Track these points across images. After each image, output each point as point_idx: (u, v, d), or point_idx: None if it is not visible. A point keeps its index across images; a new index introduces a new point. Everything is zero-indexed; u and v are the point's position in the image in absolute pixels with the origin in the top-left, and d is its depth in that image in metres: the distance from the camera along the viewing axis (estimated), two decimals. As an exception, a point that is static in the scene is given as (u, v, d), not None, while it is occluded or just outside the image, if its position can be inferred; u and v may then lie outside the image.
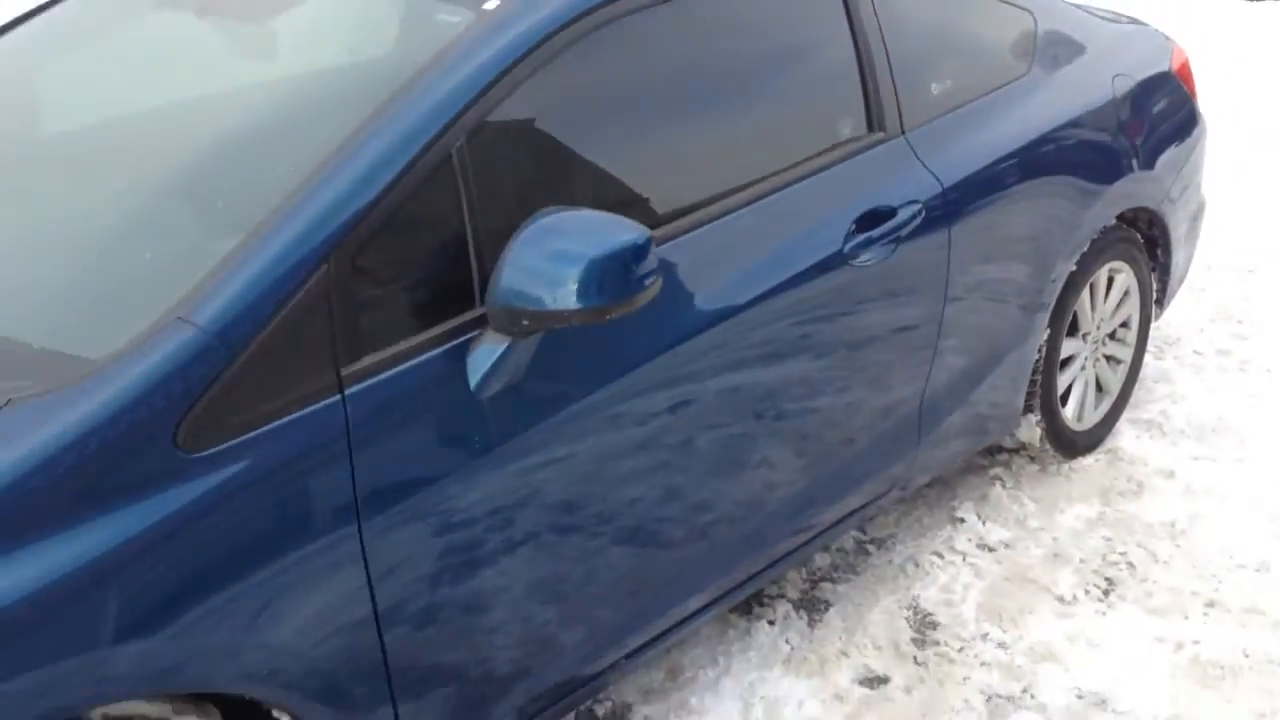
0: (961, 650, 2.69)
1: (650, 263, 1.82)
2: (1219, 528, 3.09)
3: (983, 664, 2.65)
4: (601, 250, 1.78)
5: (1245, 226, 4.94)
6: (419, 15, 2.10)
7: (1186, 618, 2.78)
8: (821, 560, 2.99)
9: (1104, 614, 2.80)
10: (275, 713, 1.73)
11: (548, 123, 2.03)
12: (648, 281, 1.83)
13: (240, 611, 1.62)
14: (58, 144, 2.22)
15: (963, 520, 3.14)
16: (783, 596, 2.86)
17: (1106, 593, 2.87)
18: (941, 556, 3.01)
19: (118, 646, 1.52)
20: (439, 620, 1.86)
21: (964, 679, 2.61)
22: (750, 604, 2.80)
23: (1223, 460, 3.40)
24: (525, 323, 1.80)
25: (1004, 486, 3.27)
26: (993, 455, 3.38)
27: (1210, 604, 2.82)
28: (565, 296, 1.77)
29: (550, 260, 1.78)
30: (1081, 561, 2.98)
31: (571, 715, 2.45)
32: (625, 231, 1.81)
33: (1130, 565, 2.96)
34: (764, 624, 2.75)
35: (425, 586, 1.82)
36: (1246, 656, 2.65)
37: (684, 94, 2.25)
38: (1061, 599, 2.85)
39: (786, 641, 2.72)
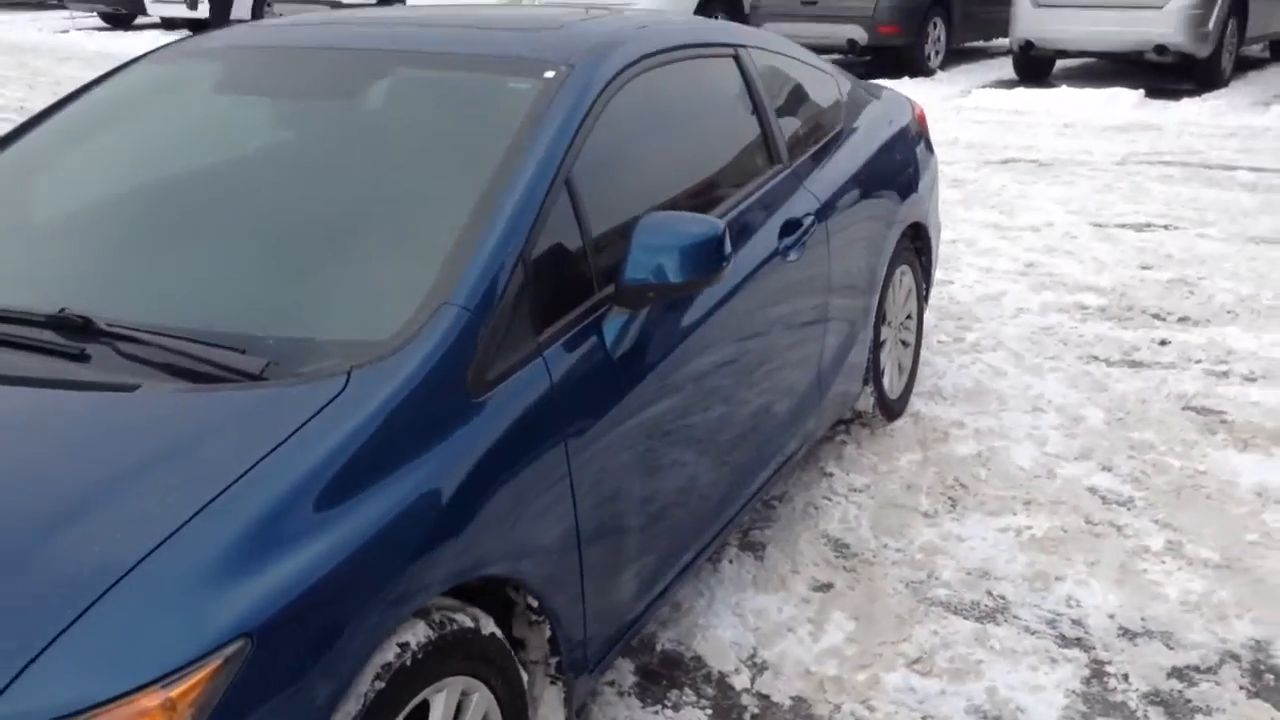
0: (874, 557, 3.49)
1: (726, 246, 2.51)
2: (1011, 455, 4.08)
3: (893, 563, 3.46)
4: (691, 240, 2.46)
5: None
6: (500, 85, 2.70)
7: (1015, 514, 3.72)
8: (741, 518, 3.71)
9: (959, 519, 3.69)
10: (511, 594, 2.25)
11: (604, 153, 2.67)
12: (725, 263, 2.52)
13: (507, 512, 2.14)
14: (251, 186, 2.63)
15: (831, 474, 3.96)
16: (728, 545, 3.55)
17: (954, 505, 3.77)
18: (829, 499, 3.81)
19: (443, 546, 2.01)
20: (602, 520, 2.42)
21: (885, 575, 3.40)
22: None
23: (990, 412, 4.43)
24: (650, 295, 2.45)
25: (851, 447, 4.14)
26: (833, 429, 4.24)
27: (1027, 502, 3.78)
28: (672, 275, 2.43)
29: (657, 252, 2.44)
30: (928, 489, 3.87)
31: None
32: (706, 225, 2.49)
33: (962, 486, 3.88)
34: (725, 564, 3.44)
35: (596, 494, 2.39)
36: (1065, 531, 3.61)
37: (675, 130, 2.99)
38: (926, 514, 3.72)
39: (747, 572, 3.41)
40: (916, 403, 4.49)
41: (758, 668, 3.00)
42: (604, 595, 2.49)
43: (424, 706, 2.02)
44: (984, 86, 12.51)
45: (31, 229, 2.67)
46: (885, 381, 4.21)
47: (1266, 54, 14.60)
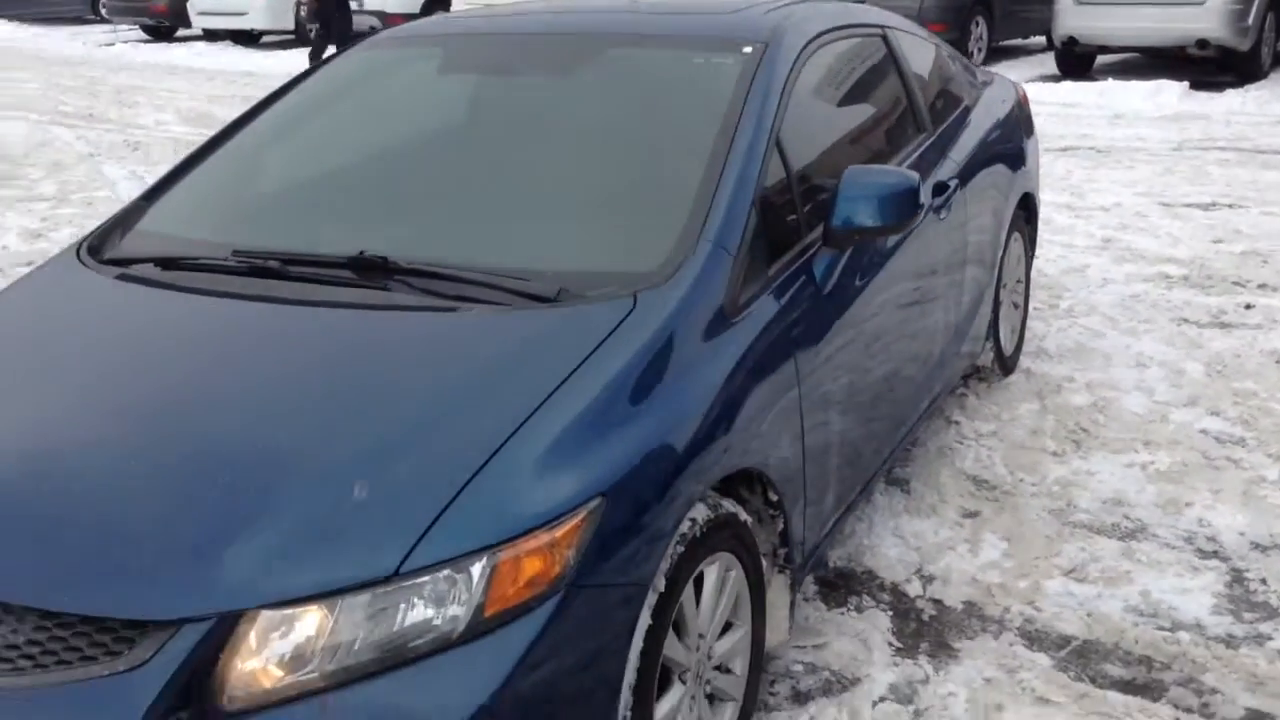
0: (1012, 490, 3.82)
1: (921, 195, 2.85)
2: (1123, 404, 4.41)
3: (1032, 494, 3.79)
4: (891, 190, 2.80)
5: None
6: (705, 59, 3.06)
7: (1136, 452, 4.04)
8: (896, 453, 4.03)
9: (1085, 458, 4.02)
10: (744, 493, 2.58)
11: (798, 115, 3.01)
12: (919, 210, 2.86)
13: (757, 414, 2.47)
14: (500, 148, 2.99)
15: (958, 422, 4.30)
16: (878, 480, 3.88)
17: (1078, 446, 4.10)
18: (960, 443, 4.14)
19: (719, 438, 2.34)
20: (817, 429, 2.75)
21: (1026, 504, 3.73)
22: (855, 488, 3.80)
23: (1096, 367, 4.76)
24: (855, 237, 2.79)
25: (972, 398, 4.47)
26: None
27: (1146, 442, 4.11)
28: (875, 219, 2.77)
29: (860, 200, 2.77)
30: (1051, 433, 4.20)
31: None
32: (904, 176, 2.83)
33: (1084, 430, 4.21)
34: (877, 496, 3.77)
35: (814, 406, 2.72)
36: (1186, 466, 3.93)
37: (845, 98, 3.34)
38: (1054, 454, 4.05)
39: (898, 503, 3.74)
40: (1025, 361, 4.82)
41: (926, 579, 3.33)
42: (815, 499, 2.82)
43: (699, 581, 2.36)
44: (1030, 81, 12.78)
45: (314, 188, 3.03)
46: (1002, 338, 4.54)
47: (1300, 48, 14.85)
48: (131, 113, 12.94)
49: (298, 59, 17.91)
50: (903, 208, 2.80)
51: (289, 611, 1.84)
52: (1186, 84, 11.42)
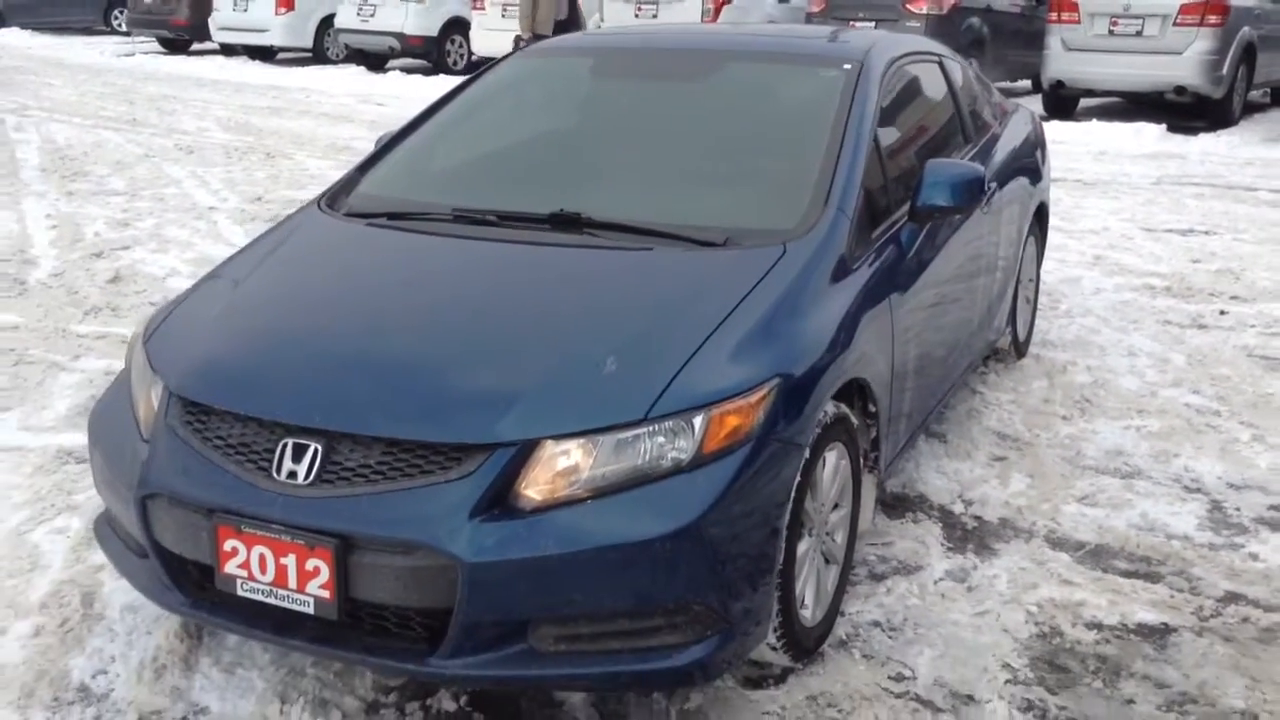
0: (1031, 442, 4.61)
1: (988, 184, 3.66)
2: (1119, 384, 5.23)
3: (1047, 446, 4.59)
4: (964, 179, 3.60)
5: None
6: (813, 72, 3.87)
7: (1132, 418, 4.86)
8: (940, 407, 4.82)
9: (1089, 421, 4.83)
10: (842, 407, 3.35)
11: (885, 119, 3.82)
12: (985, 197, 3.66)
13: (865, 338, 3.23)
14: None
15: (981, 393, 5.10)
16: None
17: (1083, 412, 4.91)
18: (985, 408, 4.94)
19: (845, 352, 3.10)
20: (901, 358, 3.52)
21: (1043, 452, 4.52)
22: (901, 437, 4.58)
23: (1094, 355, 5.58)
24: (935, 215, 3.60)
25: (992, 375, 5.28)
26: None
27: (1139, 411, 4.92)
28: (951, 201, 3.57)
29: (940, 185, 3.58)
30: (1060, 401, 5.01)
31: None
32: (973, 169, 3.63)
33: (1087, 401, 5.03)
34: (920, 444, 4.56)
35: (900, 341, 3.50)
36: (1173, 429, 4.74)
37: (914, 109, 4.16)
38: (1064, 417, 4.86)
39: (938, 449, 4.53)
40: (1034, 349, 5.63)
41: (967, 502, 4.12)
42: (895, 420, 3.61)
43: (823, 463, 3.13)
44: (1018, 120, 13.73)
45: (506, 162, 3.81)
46: (1018, 325, 5.35)
47: (1267, 100, 15.91)
48: (172, 119, 13.63)
49: (315, 74, 18.71)
50: (972, 193, 3.60)
51: (566, 444, 2.60)
52: (1164, 126, 12.37)
